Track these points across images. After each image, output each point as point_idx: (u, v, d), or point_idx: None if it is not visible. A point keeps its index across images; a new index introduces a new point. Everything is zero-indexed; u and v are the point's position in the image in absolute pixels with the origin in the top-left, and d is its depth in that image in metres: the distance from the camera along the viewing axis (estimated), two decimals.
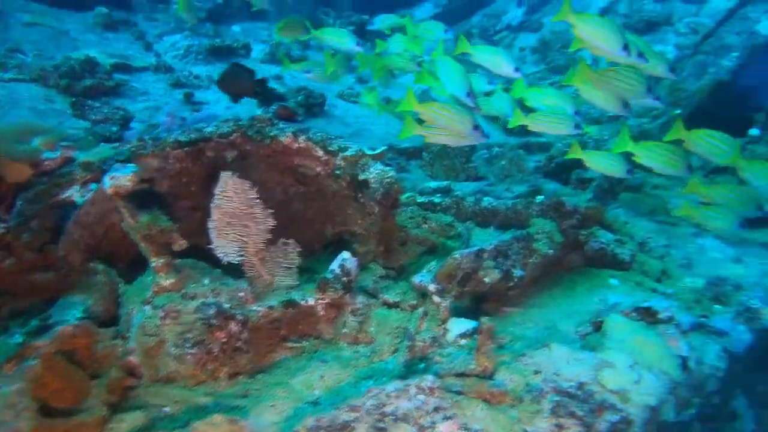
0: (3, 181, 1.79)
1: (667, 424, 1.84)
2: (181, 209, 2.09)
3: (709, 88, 5.31)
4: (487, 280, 2.00)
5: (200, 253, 1.85)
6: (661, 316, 2.04)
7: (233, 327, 1.58)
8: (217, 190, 1.65)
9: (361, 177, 2.11)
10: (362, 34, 3.34)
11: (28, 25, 4.21)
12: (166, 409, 1.36)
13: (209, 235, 1.66)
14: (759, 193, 2.58)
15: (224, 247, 1.68)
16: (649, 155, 2.56)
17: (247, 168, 2.20)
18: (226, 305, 1.59)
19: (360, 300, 1.91)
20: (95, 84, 3.41)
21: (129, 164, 1.57)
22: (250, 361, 1.65)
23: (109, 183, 1.52)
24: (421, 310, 1.86)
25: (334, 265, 1.89)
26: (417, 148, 3.51)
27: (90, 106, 3.02)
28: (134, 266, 1.76)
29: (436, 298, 1.84)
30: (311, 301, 1.83)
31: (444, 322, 1.83)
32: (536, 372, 1.66)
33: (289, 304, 1.81)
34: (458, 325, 1.82)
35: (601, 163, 2.64)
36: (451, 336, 1.82)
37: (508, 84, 5.10)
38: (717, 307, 2.33)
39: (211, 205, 1.66)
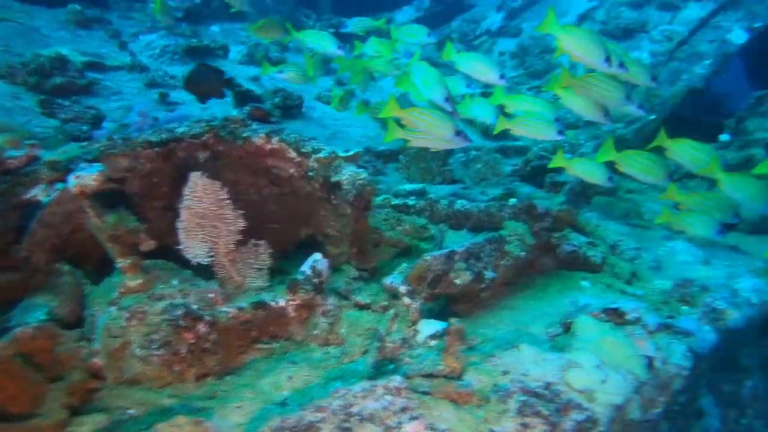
0: None
1: (633, 422, 1.88)
2: (153, 210, 2.07)
3: (683, 94, 5.43)
4: (458, 281, 2.02)
5: (173, 254, 1.84)
6: (628, 317, 2.08)
7: (201, 328, 1.57)
8: (186, 191, 1.64)
9: (334, 179, 2.11)
10: (338, 36, 3.35)
11: None
12: (131, 411, 1.35)
13: (178, 235, 1.65)
14: (733, 200, 2.65)
15: (193, 248, 1.67)
16: (630, 164, 2.64)
17: (219, 169, 2.19)
18: (195, 306, 1.58)
19: (331, 301, 1.91)
20: (66, 82, 3.36)
21: (95, 163, 1.55)
22: (219, 362, 1.64)
23: (74, 182, 1.50)
24: (392, 311, 1.87)
25: (305, 267, 1.89)
26: (394, 150, 3.52)
27: (59, 105, 2.97)
28: (103, 267, 1.74)
29: (406, 300, 1.85)
30: (282, 303, 1.83)
31: (414, 323, 1.84)
32: (504, 372, 1.67)
33: (260, 305, 1.80)
34: (428, 327, 1.83)
35: (583, 171, 2.69)
36: (421, 337, 1.83)
37: (486, 88, 5.16)
38: (684, 308, 2.38)
39: (180, 205, 1.65)
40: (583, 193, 3.19)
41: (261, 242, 1.90)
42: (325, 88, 4.34)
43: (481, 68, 2.74)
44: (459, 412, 1.47)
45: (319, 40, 3.14)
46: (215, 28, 4.82)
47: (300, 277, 1.87)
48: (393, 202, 2.63)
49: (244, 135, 2.14)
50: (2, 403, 1.24)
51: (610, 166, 2.73)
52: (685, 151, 2.62)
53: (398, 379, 1.47)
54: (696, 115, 5.43)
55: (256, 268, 1.90)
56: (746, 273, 2.89)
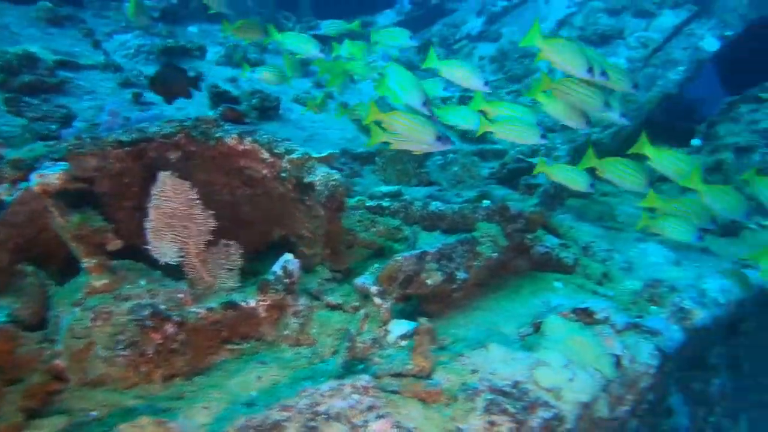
0: None
1: (601, 420, 1.90)
2: (124, 210, 2.05)
3: (657, 99, 5.53)
4: (429, 282, 2.03)
5: (145, 254, 1.83)
6: (597, 316, 2.11)
7: (169, 328, 1.55)
8: (154, 190, 1.63)
9: (307, 180, 2.12)
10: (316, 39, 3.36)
11: None
12: (94, 413, 1.33)
13: (146, 235, 1.64)
14: (710, 207, 2.71)
15: (162, 248, 1.66)
16: (611, 170, 2.69)
17: (191, 169, 2.18)
18: (163, 306, 1.57)
19: (302, 302, 1.91)
20: (35, 80, 3.28)
21: (60, 162, 1.53)
22: (188, 363, 1.63)
23: (36, 181, 1.48)
24: (363, 311, 1.87)
25: (276, 267, 1.89)
26: (371, 153, 3.53)
27: (27, 103, 2.91)
28: (69, 268, 1.72)
29: (377, 300, 1.86)
30: (252, 303, 1.82)
31: (385, 323, 1.85)
32: (473, 371, 1.69)
33: (230, 305, 1.79)
34: (399, 327, 1.84)
35: (565, 178, 2.74)
36: (392, 337, 1.83)
37: (465, 92, 5.20)
38: (653, 308, 2.42)
39: (149, 205, 1.64)
40: (557, 195, 3.23)
41: (232, 243, 1.90)
42: (303, 90, 4.34)
43: (465, 74, 2.76)
44: (427, 411, 1.48)
45: (301, 43, 3.15)
46: (193, 29, 4.78)
47: (271, 277, 1.87)
48: (368, 204, 2.64)
49: (217, 135, 2.13)
50: None
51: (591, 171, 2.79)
52: (667, 161, 2.69)
53: (366, 378, 1.47)
54: (669, 120, 5.54)
55: (227, 268, 1.90)
56: (714, 274, 2.96)
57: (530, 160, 3.97)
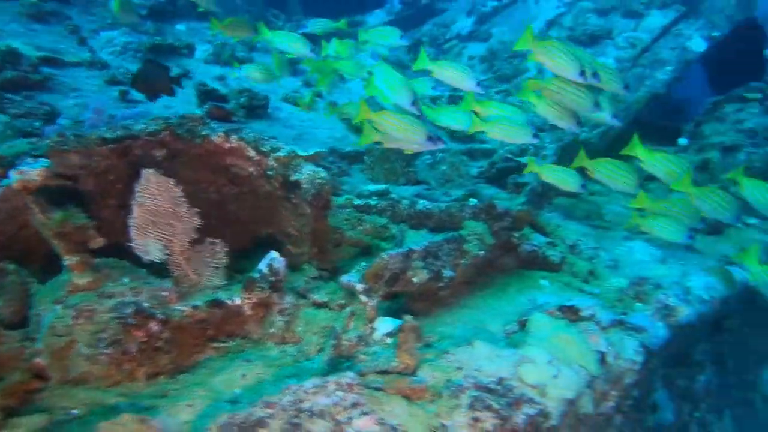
0: None
1: (586, 416, 1.92)
2: (109, 208, 2.04)
3: (645, 99, 5.57)
4: (415, 280, 2.03)
5: (130, 253, 1.82)
6: (583, 313, 2.12)
7: (153, 326, 1.55)
8: (138, 187, 1.62)
9: (293, 178, 2.12)
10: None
11: None
12: (75, 411, 1.32)
13: (130, 233, 1.63)
14: (696, 208, 2.74)
15: (146, 246, 1.66)
16: (602, 171, 2.72)
17: (177, 167, 2.17)
18: (146, 304, 1.56)
19: (288, 300, 1.91)
20: (17, 77, 3.23)
21: (41, 159, 1.52)
22: (172, 361, 1.63)
23: (15, 177, 1.47)
24: (348, 309, 1.88)
25: (262, 265, 1.88)
26: (359, 152, 3.54)
27: (10, 100, 2.87)
28: (51, 266, 1.70)
29: (363, 298, 1.86)
30: (237, 301, 1.82)
31: (371, 321, 1.85)
32: (458, 368, 1.69)
33: (215, 303, 1.79)
34: (385, 325, 1.84)
35: (557, 178, 2.76)
36: (378, 335, 1.83)
37: (455, 91, 5.20)
38: (638, 305, 2.44)
39: (132, 202, 1.63)
40: (544, 194, 3.25)
41: (217, 241, 1.89)
42: (292, 89, 4.33)
43: (457, 75, 2.77)
44: (411, 408, 1.49)
45: (291, 41, 3.14)
46: (181, 27, 4.75)
47: (256, 275, 1.87)
48: (355, 203, 2.64)
49: (203, 133, 2.13)
50: None
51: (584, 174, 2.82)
52: (659, 163, 2.72)
53: (350, 375, 1.47)
54: (657, 119, 5.58)
55: (213, 266, 1.89)
56: (699, 271, 2.99)
57: (519, 159, 3.99)
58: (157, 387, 1.51)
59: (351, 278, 1.93)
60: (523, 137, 2.75)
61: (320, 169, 2.13)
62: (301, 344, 1.87)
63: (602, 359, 1.98)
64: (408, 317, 1.66)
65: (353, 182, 3.22)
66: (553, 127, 4.85)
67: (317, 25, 3.35)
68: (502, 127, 2.71)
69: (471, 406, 1.53)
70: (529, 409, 1.62)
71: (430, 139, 2.50)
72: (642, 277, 2.61)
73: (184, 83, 3.61)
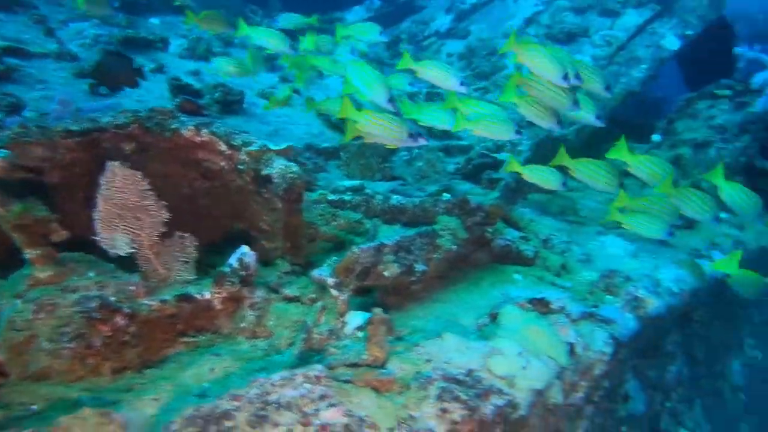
0: None
1: (556, 406, 1.94)
2: (76, 202, 2.01)
3: (621, 97, 5.64)
4: (387, 274, 2.04)
5: (98, 247, 1.79)
6: (553, 306, 2.15)
7: (119, 320, 1.53)
8: (103, 180, 1.60)
9: (264, 172, 2.11)
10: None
11: None
12: (34, 406, 1.30)
13: (95, 226, 1.61)
14: (675, 205, 2.81)
15: (112, 240, 1.64)
16: (583, 171, 2.77)
17: (147, 161, 2.14)
18: (112, 298, 1.54)
19: (259, 294, 1.90)
20: None
21: (1, 150, 1.49)
22: (139, 355, 1.61)
23: None
24: (320, 303, 1.87)
25: (232, 259, 1.88)
26: (335, 148, 3.53)
27: None
28: (14, 260, 1.67)
29: (333, 292, 1.86)
30: (207, 295, 1.81)
31: (342, 315, 1.85)
32: (428, 361, 1.71)
33: (184, 297, 1.78)
34: (356, 318, 1.84)
35: (538, 177, 2.79)
36: (349, 329, 1.84)
37: (432, 87, 5.22)
38: (608, 297, 2.47)
39: (97, 195, 1.61)
40: (518, 189, 3.28)
41: (187, 235, 1.87)
42: (269, 85, 4.30)
43: (441, 75, 2.78)
44: (379, 399, 1.49)
45: (270, 37, 3.12)
46: (155, 21, 4.68)
47: (227, 269, 1.86)
48: (329, 198, 2.63)
49: (173, 127, 2.10)
50: None
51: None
52: (643, 166, 2.78)
53: (318, 367, 1.47)
54: (632, 117, 5.66)
55: (183, 260, 1.88)
56: (670, 264, 3.05)
57: (495, 155, 4.01)
58: (123, 381, 1.49)
59: (322, 272, 1.92)
60: (506, 134, 2.77)
61: (292, 163, 2.13)
62: (272, 338, 1.87)
63: (572, 350, 2.01)
64: (377, 310, 1.66)
65: (330, 178, 3.22)
66: (530, 124, 4.91)
67: (288, 20, 3.33)
68: (486, 124, 2.73)
69: (439, 398, 1.54)
70: (497, 400, 1.64)
71: (411, 136, 2.52)
72: (612, 270, 2.65)
73: (157, 77, 3.57)
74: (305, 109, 4.06)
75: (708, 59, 5.57)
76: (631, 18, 6.73)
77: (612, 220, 2.81)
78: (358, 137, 2.56)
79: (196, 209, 2.35)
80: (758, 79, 3.80)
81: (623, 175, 4.25)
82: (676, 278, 2.88)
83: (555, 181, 2.80)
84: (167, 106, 2.08)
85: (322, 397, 1.41)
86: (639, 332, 2.44)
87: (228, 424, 1.29)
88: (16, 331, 1.41)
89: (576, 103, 2.80)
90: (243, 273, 1.87)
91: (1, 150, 1.49)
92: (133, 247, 1.75)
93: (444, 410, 1.52)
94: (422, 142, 2.60)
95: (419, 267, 2.17)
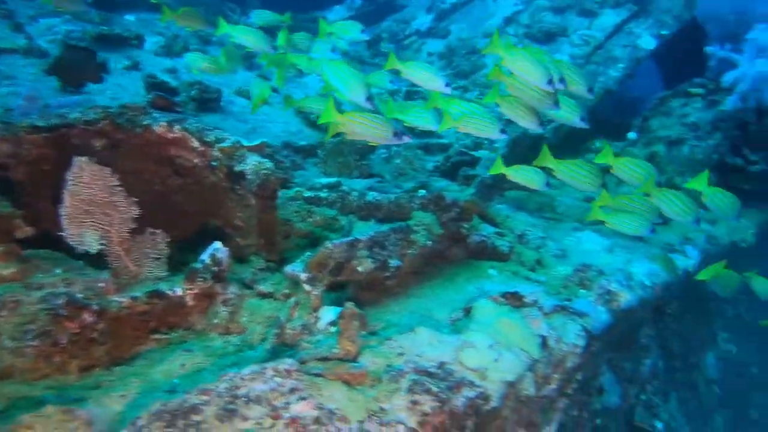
0: None
1: (529, 398, 1.96)
2: (44, 199, 1.98)
3: (599, 95, 5.71)
4: (360, 269, 2.04)
5: (68, 245, 1.77)
6: (526, 300, 2.17)
7: (87, 317, 1.51)
8: (69, 176, 1.58)
9: (237, 168, 2.10)
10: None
11: None
12: None
13: (61, 222, 1.59)
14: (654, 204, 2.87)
15: (80, 236, 1.62)
16: (566, 172, 2.82)
17: (118, 157, 2.12)
18: (80, 295, 1.53)
19: (232, 290, 1.89)
20: None
21: None
22: (108, 352, 1.60)
23: None
24: (293, 299, 1.87)
25: (205, 255, 1.87)
26: (313, 145, 3.53)
27: None
28: None
29: (306, 287, 1.86)
30: (179, 292, 1.80)
31: (316, 310, 1.85)
32: (400, 354, 1.72)
33: (155, 294, 1.76)
34: (329, 313, 1.84)
35: (522, 177, 2.83)
36: (322, 324, 1.84)
37: (413, 86, 5.23)
38: (581, 291, 2.51)
39: (64, 190, 1.59)
40: (494, 185, 3.31)
41: (158, 231, 1.86)
42: (248, 83, 4.27)
43: (426, 76, 2.79)
44: (350, 393, 1.49)
45: (250, 36, 3.10)
46: (130, 18, 4.62)
47: (199, 265, 1.85)
48: (305, 195, 2.63)
49: (144, 123, 2.09)
50: None
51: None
52: (628, 169, 2.82)
53: (289, 361, 1.47)
54: (609, 115, 5.73)
55: (154, 257, 1.86)
56: (643, 259, 3.10)
57: (473, 153, 4.04)
58: (91, 379, 1.48)
59: (295, 268, 1.93)
60: (491, 131, 2.79)
61: (266, 159, 2.12)
62: (245, 334, 1.86)
63: (544, 343, 2.03)
64: (349, 304, 1.67)
65: (307, 176, 3.21)
66: (509, 122, 4.95)
67: (261, 16, 3.32)
68: (472, 122, 2.75)
69: (410, 390, 1.55)
70: (469, 392, 1.66)
71: (396, 134, 2.52)
72: (586, 264, 2.68)
73: (132, 75, 3.53)
74: (284, 108, 4.05)
75: (682, 58, 5.66)
76: (609, 18, 6.82)
77: (595, 218, 2.86)
78: (338, 133, 2.56)
79: (170, 206, 2.34)
80: (728, 77, 3.88)
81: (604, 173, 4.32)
82: (648, 272, 2.93)
83: (539, 181, 2.84)
84: (139, 102, 2.06)
85: (293, 391, 1.41)
86: (612, 325, 2.48)
87: (196, 418, 1.29)
88: None
89: (557, 102, 2.83)
90: (215, 269, 1.86)
91: None
92: (103, 244, 1.73)
93: (415, 402, 1.53)
94: (406, 140, 2.61)
95: (393, 262, 2.18)
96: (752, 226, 4.02)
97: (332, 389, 1.48)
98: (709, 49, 4.23)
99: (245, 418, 1.32)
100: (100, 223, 1.68)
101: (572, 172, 2.85)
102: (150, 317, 1.77)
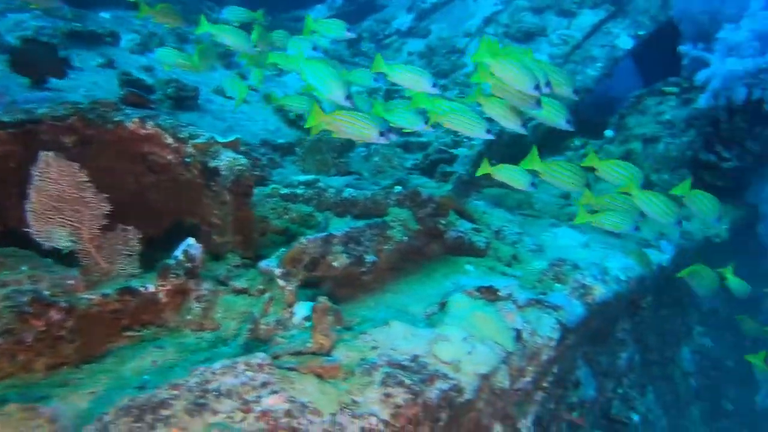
0: None
1: (503, 391, 1.98)
2: (12, 196, 1.95)
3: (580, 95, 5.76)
4: (335, 264, 2.05)
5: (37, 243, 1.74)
6: (501, 293, 2.19)
7: (54, 315, 1.49)
8: (36, 171, 1.56)
9: (211, 164, 2.09)
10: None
11: None
12: None
13: (27, 219, 1.57)
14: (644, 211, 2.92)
15: (48, 233, 1.59)
16: (551, 173, 2.86)
17: (90, 154, 2.10)
18: (46, 292, 1.51)
19: (206, 286, 1.88)
20: None
21: None
22: (78, 350, 1.58)
23: None
24: (267, 294, 1.87)
25: (178, 252, 1.85)
26: (292, 143, 3.52)
27: None
28: None
29: (281, 282, 1.85)
30: (151, 288, 1.78)
31: (290, 305, 1.85)
32: (373, 348, 1.72)
33: (127, 291, 1.74)
34: (304, 308, 1.84)
35: (509, 178, 2.86)
36: (297, 319, 1.84)
37: (393, 84, 5.23)
38: (556, 285, 2.54)
39: (29, 186, 1.57)
40: (471, 182, 3.33)
41: (130, 228, 1.84)
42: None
43: (413, 77, 2.79)
44: (323, 386, 1.49)
45: (232, 35, 3.07)
46: (105, 15, 4.56)
47: (172, 262, 1.83)
48: (282, 192, 2.63)
49: (116, 119, 2.06)
50: None
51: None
52: (613, 171, 2.88)
53: (261, 355, 1.47)
54: (588, 114, 5.80)
55: (126, 254, 1.85)
56: (618, 253, 3.15)
57: (452, 151, 4.06)
58: (59, 377, 1.46)
59: (269, 263, 1.92)
60: (477, 131, 2.81)
61: (240, 156, 2.11)
62: (220, 330, 1.85)
63: (518, 336, 2.05)
64: (322, 298, 1.67)
65: (285, 173, 3.20)
66: (490, 120, 4.98)
67: (233, 13, 3.30)
68: (458, 119, 2.76)
69: (383, 383, 1.56)
70: (442, 384, 1.67)
71: (382, 134, 2.52)
72: (561, 259, 2.71)
73: (107, 73, 3.48)
74: (262, 106, 4.03)
75: (658, 58, 5.76)
76: (587, 18, 6.90)
77: (582, 221, 2.91)
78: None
79: (145, 204, 2.31)
80: (701, 76, 3.95)
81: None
82: (623, 267, 2.97)
83: (525, 181, 2.87)
84: (110, 98, 2.04)
85: (264, 385, 1.41)
86: (586, 318, 2.51)
87: (165, 413, 1.28)
88: None
89: (539, 102, 2.85)
90: (189, 265, 1.85)
91: None
92: (73, 241, 1.71)
93: (388, 395, 1.53)
94: (392, 137, 2.61)
95: (369, 258, 2.19)
96: (726, 221, 4.10)
97: (305, 383, 1.48)
98: (682, 48, 4.31)
99: (215, 412, 1.32)
100: (69, 220, 1.66)
101: (557, 173, 2.90)
102: (122, 314, 1.75)
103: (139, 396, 1.28)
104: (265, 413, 1.34)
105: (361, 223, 2.20)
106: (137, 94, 2.55)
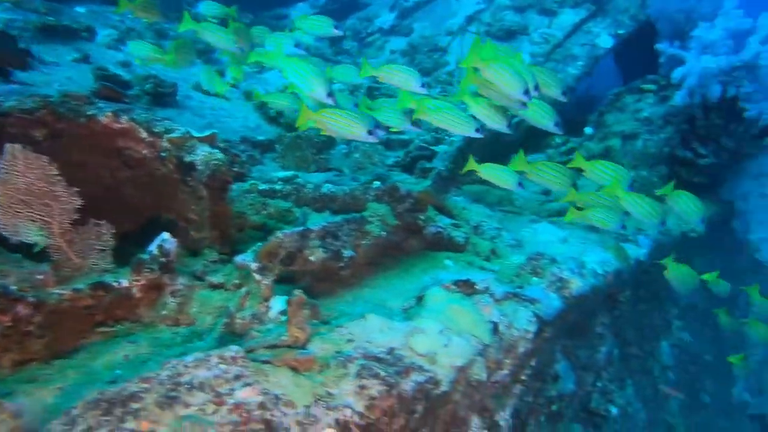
0: None
1: (480, 383, 1.99)
2: None
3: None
4: (312, 259, 2.04)
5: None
6: (478, 287, 2.20)
7: (22, 310, 1.47)
8: (2, 164, 1.53)
9: (187, 159, 2.07)
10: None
11: None
12: None
13: None
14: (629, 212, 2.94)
15: (15, 227, 1.57)
16: (539, 174, 2.89)
17: (62, 148, 2.07)
18: (14, 287, 1.48)
19: (181, 281, 1.87)
20: None
21: None
22: (48, 346, 1.55)
23: None
24: (244, 289, 1.86)
25: (152, 246, 1.84)
26: (272, 140, 3.50)
27: None
28: None
29: (257, 276, 1.84)
30: (125, 283, 1.76)
31: (267, 299, 1.84)
32: (349, 341, 1.72)
33: (100, 286, 1.72)
34: (280, 303, 1.83)
35: (496, 177, 2.87)
36: (273, 313, 1.83)
37: (374, 81, 5.23)
38: (534, 279, 2.56)
39: None
40: (451, 178, 3.34)
41: (103, 222, 1.82)
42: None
43: (402, 78, 2.79)
44: (297, 378, 1.49)
45: (217, 33, 3.04)
46: (80, 9, 4.48)
47: (146, 256, 1.81)
48: (260, 188, 2.61)
49: (89, 113, 2.04)
50: None
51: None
52: (600, 172, 2.92)
53: (234, 348, 1.46)
54: (568, 112, 5.84)
55: (99, 249, 1.82)
56: (596, 248, 3.18)
57: (433, 148, 4.07)
58: (27, 373, 1.44)
59: (245, 258, 1.91)
60: (465, 129, 2.81)
61: (216, 150, 2.10)
62: (195, 325, 1.84)
63: (495, 329, 2.06)
64: (297, 292, 1.66)
65: (265, 170, 3.19)
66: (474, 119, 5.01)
67: (208, 7, 3.28)
68: (446, 115, 2.75)
69: (358, 375, 1.55)
70: (418, 377, 1.67)
71: (370, 133, 2.51)
72: (539, 253, 2.73)
73: (82, 68, 3.43)
74: (243, 102, 4.01)
75: (637, 56, 5.83)
76: (568, 17, 6.96)
77: (573, 219, 2.95)
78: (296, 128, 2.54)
79: (121, 199, 2.29)
80: (677, 73, 4.00)
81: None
82: (600, 260, 3.01)
83: (512, 181, 2.89)
84: (82, 92, 2.01)
85: (238, 377, 1.40)
86: (564, 311, 2.53)
87: (135, 405, 1.26)
88: None
89: (525, 102, 2.86)
90: (163, 260, 1.83)
91: None
92: (43, 235, 1.68)
93: (363, 387, 1.53)
94: (381, 134, 2.61)
95: (347, 253, 2.19)
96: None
97: (279, 375, 1.48)
98: (659, 46, 4.36)
99: (187, 405, 1.31)
100: (38, 214, 1.64)
101: (543, 174, 2.93)
102: (95, 310, 1.73)
103: (109, 389, 1.27)
104: (238, 405, 1.34)
105: (338, 218, 2.20)
106: (111, 88, 2.52)
